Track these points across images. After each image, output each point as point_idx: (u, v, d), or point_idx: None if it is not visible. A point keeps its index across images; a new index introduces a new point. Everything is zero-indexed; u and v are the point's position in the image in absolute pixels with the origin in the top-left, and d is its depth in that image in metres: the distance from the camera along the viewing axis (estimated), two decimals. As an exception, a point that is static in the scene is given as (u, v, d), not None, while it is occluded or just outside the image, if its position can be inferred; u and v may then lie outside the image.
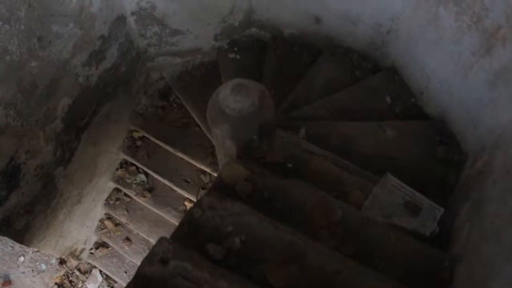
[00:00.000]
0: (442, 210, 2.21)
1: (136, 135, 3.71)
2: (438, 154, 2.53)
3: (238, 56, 3.49)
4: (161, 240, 1.61)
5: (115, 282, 3.93)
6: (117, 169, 3.78)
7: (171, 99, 3.69)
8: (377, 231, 1.98)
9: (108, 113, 3.33)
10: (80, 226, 3.66)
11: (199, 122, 3.50)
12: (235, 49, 3.52)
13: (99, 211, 3.87)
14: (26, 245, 3.13)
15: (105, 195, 3.84)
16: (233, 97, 2.17)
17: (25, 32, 2.29)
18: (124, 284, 3.87)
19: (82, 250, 3.85)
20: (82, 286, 3.96)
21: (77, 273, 3.98)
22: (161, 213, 3.69)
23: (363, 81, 2.98)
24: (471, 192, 2.16)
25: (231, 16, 3.31)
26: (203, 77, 3.62)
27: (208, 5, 3.14)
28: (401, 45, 2.81)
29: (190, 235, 1.75)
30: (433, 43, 2.50)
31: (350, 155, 2.47)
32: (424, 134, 2.60)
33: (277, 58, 3.35)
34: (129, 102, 3.56)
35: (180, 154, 3.54)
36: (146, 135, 3.62)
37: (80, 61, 2.81)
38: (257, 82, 2.38)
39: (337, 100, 2.86)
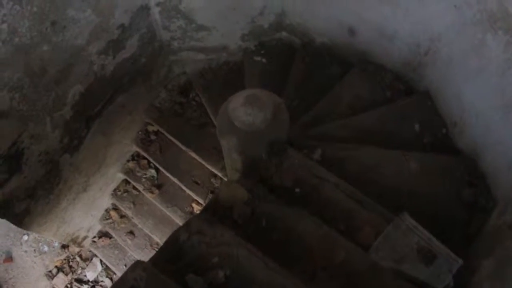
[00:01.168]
0: (461, 262, 1.95)
1: (151, 128, 3.56)
2: (464, 196, 2.26)
3: (264, 60, 3.28)
4: (136, 264, 1.43)
5: (114, 273, 3.82)
6: (128, 161, 3.65)
7: (190, 96, 3.51)
8: (382, 280, 1.75)
9: (123, 103, 3.19)
10: (84, 214, 3.56)
11: (216, 124, 3.31)
12: (262, 52, 3.31)
13: (106, 201, 3.75)
14: (25, 229, 3.04)
15: (114, 186, 3.72)
16: (244, 109, 1.98)
17: (37, 15, 2.15)
18: (123, 278, 3.76)
19: (85, 238, 3.75)
20: (81, 272, 3.87)
21: (78, 259, 3.89)
22: (167, 212, 3.53)
23: (393, 103, 2.72)
24: (497, 247, 1.90)
25: (261, 17, 3.10)
26: (226, 77, 3.42)
27: (237, 3, 2.94)
28: (439, 69, 2.53)
29: (171, 260, 1.57)
30: (474, 72, 2.23)
31: (366, 184, 2.23)
32: (452, 171, 2.33)
33: (305, 67, 3.12)
34: (147, 94, 3.41)
35: (193, 154, 3.36)
36: (161, 130, 3.47)
37: (96, 49, 2.66)
38: (274, 94, 2.18)
39: (361, 121, 2.62)
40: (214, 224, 1.67)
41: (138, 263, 1.44)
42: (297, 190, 2.04)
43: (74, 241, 3.65)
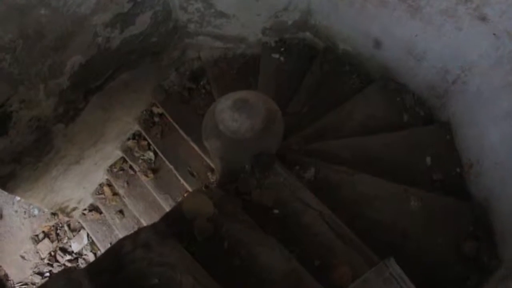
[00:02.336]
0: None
1: (156, 110, 3.38)
2: (465, 249, 1.98)
3: (282, 58, 3.03)
4: (60, 274, 1.24)
5: (99, 249, 3.70)
6: (128, 139, 3.49)
7: (201, 83, 3.30)
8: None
9: (128, 81, 3.01)
10: (75, 185, 3.43)
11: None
12: (282, 49, 3.05)
13: (101, 176, 3.61)
14: (8, 192, 2.92)
15: (110, 162, 3.57)
16: (230, 113, 1.75)
17: (34, -26, 1.98)
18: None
19: (74, 209, 3.63)
20: (67, 242, 3.76)
21: (66, 228, 3.79)
22: (158, 198, 3.37)
23: (409, 129, 2.44)
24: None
25: (285, 12, 2.84)
26: (240, 69, 3.19)
27: (261, -6, 2.70)
28: (465, 102, 2.24)
29: (109, 271, 1.38)
30: (503, 115, 1.93)
31: (357, 217, 1.99)
32: (456, 217, 2.05)
33: (323, 73, 2.85)
34: (156, 74, 3.22)
35: (193, 144, 3.17)
36: (165, 113, 3.28)
37: (102, 21, 2.48)
38: (270, 101, 1.94)
39: (368, 144, 2.35)
40: (166, 239, 1.46)
41: (64, 272, 1.26)
42: (276, 211, 1.82)
43: (63, 210, 3.53)
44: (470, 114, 2.19)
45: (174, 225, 1.61)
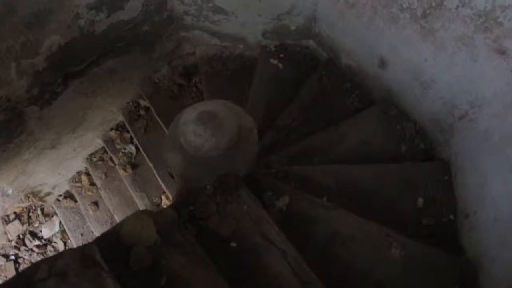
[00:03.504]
0: None
1: (143, 103, 3.13)
2: (447, 312, 1.71)
3: (280, 65, 2.75)
4: None
5: (69, 239, 3.47)
6: (111, 129, 3.24)
7: (193, 80, 3.04)
8: None
9: (114, 69, 2.76)
10: (50, 171, 3.19)
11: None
12: (281, 55, 2.77)
13: (79, 163, 3.37)
14: (-27, 171, 2.70)
15: (91, 150, 3.33)
16: (194, 127, 1.48)
17: None
18: (75, 246, 3.42)
19: (48, 194, 3.41)
20: (38, 227, 3.54)
21: (39, 212, 3.57)
22: (134, 196, 3.12)
23: (404, 163, 2.15)
24: None
25: (288, 16, 2.56)
26: (236, 71, 2.92)
27: (263, -6, 2.42)
28: (470, 142, 1.94)
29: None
30: (511, 165, 1.64)
31: (330, 259, 1.72)
32: (442, 274, 1.77)
33: (321, 87, 2.57)
34: (146, 66, 2.96)
35: (175, 144, 2.91)
36: (151, 107, 3.02)
37: (86, 2, 2.23)
38: (245, 116, 1.67)
39: (356, 174, 2.07)
40: (88, 269, 1.21)
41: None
42: (233, 244, 1.55)
43: (35, 194, 3.31)
44: (473, 158, 1.90)
45: (108, 249, 1.35)
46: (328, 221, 1.79)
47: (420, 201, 2.00)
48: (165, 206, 2.78)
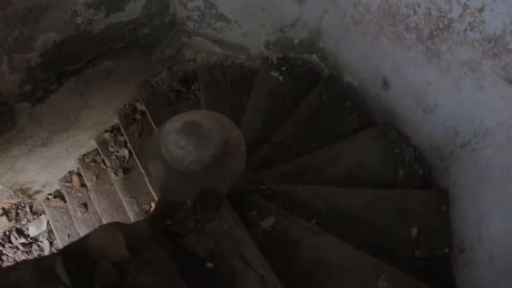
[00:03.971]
0: None
1: (139, 107, 3.04)
2: None
3: (281, 78, 2.66)
4: None
5: (55, 239, 3.37)
6: (106, 131, 3.16)
7: (192, 88, 2.95)
8: None
9: (111, 70, 2.67)
10: (41, 169, 3.10)
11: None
12: (283, 68, 2.68)
13: (71, 163, 3.28)
14: (-42, 165, 2.62)
15: (84, 151, 3.24)
16: (176, 137, 1.38)
17: None
18: (61, 247, 3.32)
19: (38, 192, 3.31)
20: (25, 224, 3.45)
21: (28, 209, 3.47)
22: (123, 200, 3.02)
23: (400, 190, 2.04)
24: None
25: (292, 29, 2.47)
26: (235, 81, 2.82)
27: (267, 3, 2.33)
28: (470, 173, 1.83)
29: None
30: (512, 201, 1.52)
31: (312, 287, 1.60)
32: (432, 312, 1.65)
33: (320, 104, 2.47)
34: (144, 69, 2.87)
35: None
36: (147, 112, 2.93)
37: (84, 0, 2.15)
38: (235, 130, 1.57)
39: (350, 198, 1.96)
40: (46, 283, 1.11)
41: None
42: (209, 265, 1.44)
43: (24, 191, 3.22)
44: (473, 190, 1.78)
45: (73, 262, 1.25)
46: (314, 247, 1.67)
47: (414, 231, 1.89)
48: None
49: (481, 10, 1.49)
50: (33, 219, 3.46)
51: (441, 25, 1.69)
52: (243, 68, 2.84)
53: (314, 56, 2.64)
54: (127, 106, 3.06)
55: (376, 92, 2.25)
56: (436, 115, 1.95)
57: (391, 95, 2.16)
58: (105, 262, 1.25)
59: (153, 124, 2.89)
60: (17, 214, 3.46)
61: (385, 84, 2.15)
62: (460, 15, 1.57)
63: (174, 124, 1.42)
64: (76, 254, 1.27)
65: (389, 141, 2.20)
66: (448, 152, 1.97)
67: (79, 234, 3.26)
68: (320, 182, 2.06)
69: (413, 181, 2.13)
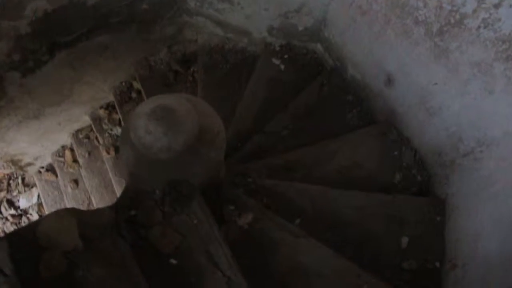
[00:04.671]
0: None
1: (136, 85, 2.92)
2: None
3: (282, 66, 2.50)
4: None
5: (45, 213, 3.30)
6: (101, 107, 3.04)
7: (191, 69, 2.81)
8: None
9: (107, 45, 2.55)
10: (33, 141, 3.01)
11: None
12: (285, 56, 2.52)
13: (64, 137, 3.18)
14: None
15: (78, 126, 3.14)
16: (145, 121, 1.26)
17: None
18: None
19: (30, 164, 3.23)
20: (16, 195, 3.38)
21: (20, 181, 3.40)
22: (112, 179, 2.92)
23: (394, 196, 1.88)
24: None
25: (297, 15, 2.31)
26: (236, 66, 2.68)
27: (272, -14, 2.17)
28: (471, 184, 1.67)
29: None
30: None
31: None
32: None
33: (320, 96, 2.32)
34: (142, 46, 2.74)
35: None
36: (142, 91, 2.81)
37: (77, -33, 2.02)
38: (213, 116, 1.43)
39: (339, 200, 1.82)
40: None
41: None
42: (173, 261, 1.32)
43: (15, 163, 3.13)
44: (472, 203, 1.63)
45: (21, 248, 1.14)
46: (293, 250, 1.54)
47: (405, 240, 1.74)
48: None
49: (497, 5, 1.31)
50: (24, 191, 3.38)
51: (452, 21, 1.52)
52: (244, 52, 2.69)
53: (319, 46, 2.48)
54: (123, 84, 2.93)
55: (379, 89, 2.09)
56: (440, 119, 1.78)
57: (394, 92, 2.00)
58: (55, 251, 1.14)
59: (147, 104, 2.76)
60: (8, 184, 3.39)
61: (389, 80, 1.99)
62: (474, 11, 1.40)
63: (145, 107, 1.29)
64: (25, 240, 1.16)
65: (388, 142, 2.05)
66: (450, 159, 1.81)
67: (68, 210, 3.18)
68: (310, 179, 1.92)
69: (410, 186, 1.98)
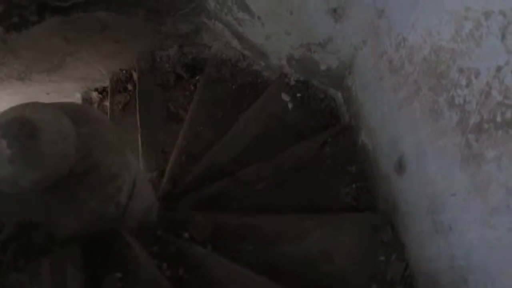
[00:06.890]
0: None
1: (135, 76, 2.56)
2: None
3: (290, 105, 2.04)
4: None
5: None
6: (95, 90, 2.72)
7: (197, 77, 2.42)
8: None
9: (105, 24, 2.21)
10: (17, 102, 2.74)
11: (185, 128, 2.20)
12: (298, 95, 2.06)
13: (52, 110, 2.89)
14: None
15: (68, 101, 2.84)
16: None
17: None
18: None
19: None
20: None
21: None
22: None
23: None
24: None
25: (321, 50, 1.84)
26: (243, 88, 2.24)
27: (298, 7, 1.72)
28: None
29: None
30: None
31: None
32: None
33: (317, 156, 1.84)
34: (150, 37, 2.38)
35: (139, 139, 2.32)
36: (137, 85, 2.45)
37: None
38: (113, 146, 1.01)
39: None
40: None
41: None
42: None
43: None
44: None
45: None
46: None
47: None
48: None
49: None
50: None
51: (498, 118, 1.01)
52: (257, 77, 2.25)
53: (339, 94, 2.00)
54: (123, 72, 2.59)
55: (387, 171, 1.58)
56: (447, 242, 1.26)
57: (402, 184, 1.49)
58: None
59: (137, 100, 2.40)
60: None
61: (400, 166, 1.48)
62: (532, 115, 0.89)
63: (2, 116, 0.89)
64: None
65: (377, 242, 1.54)
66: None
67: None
68: (260, 259, 1.45)
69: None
